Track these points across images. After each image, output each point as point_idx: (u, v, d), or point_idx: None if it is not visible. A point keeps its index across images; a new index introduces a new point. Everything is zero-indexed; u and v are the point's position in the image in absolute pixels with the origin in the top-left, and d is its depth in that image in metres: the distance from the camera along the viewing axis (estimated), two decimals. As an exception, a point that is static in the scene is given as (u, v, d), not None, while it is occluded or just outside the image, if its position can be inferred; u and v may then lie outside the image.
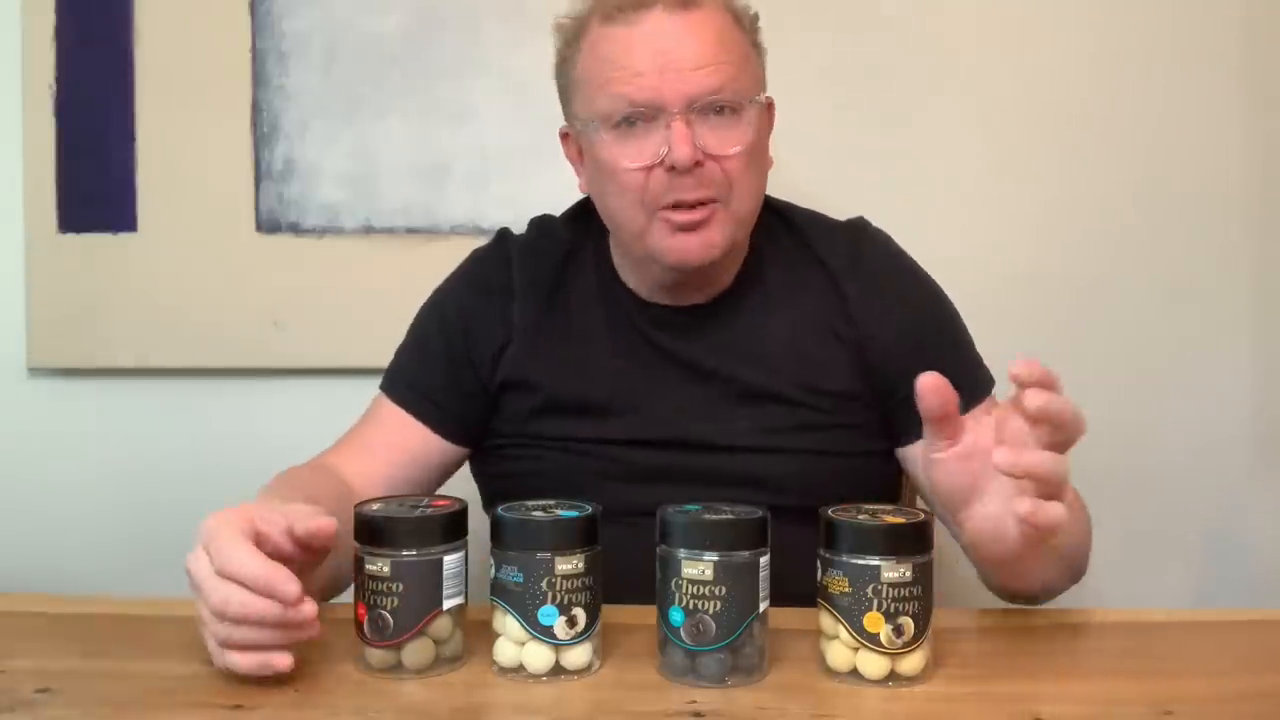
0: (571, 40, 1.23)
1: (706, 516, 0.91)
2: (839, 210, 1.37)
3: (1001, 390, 1.21)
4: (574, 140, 1.26)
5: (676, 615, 0.90)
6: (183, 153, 1.79)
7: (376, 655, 0.93)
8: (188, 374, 1.83)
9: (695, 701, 0.88)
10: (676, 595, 0.90)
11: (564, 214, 1.37)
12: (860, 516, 0.93)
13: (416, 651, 0.93)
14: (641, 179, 1.19)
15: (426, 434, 1.30)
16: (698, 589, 0.89)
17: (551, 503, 0.96)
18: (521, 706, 0.90)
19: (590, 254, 1.32)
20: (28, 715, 0.87)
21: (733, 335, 1.28)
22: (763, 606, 0.91)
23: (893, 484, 1.34)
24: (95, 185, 1.80)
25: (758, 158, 1.22)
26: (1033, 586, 1.13)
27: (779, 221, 1.33)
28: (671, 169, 1.16)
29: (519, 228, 1.38)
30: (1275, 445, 1.80)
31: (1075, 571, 1.17)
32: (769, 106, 1.27)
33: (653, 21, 1.18)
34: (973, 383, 1.25)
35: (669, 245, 1.20)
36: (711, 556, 0.89)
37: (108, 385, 1.84)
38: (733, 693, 0.90)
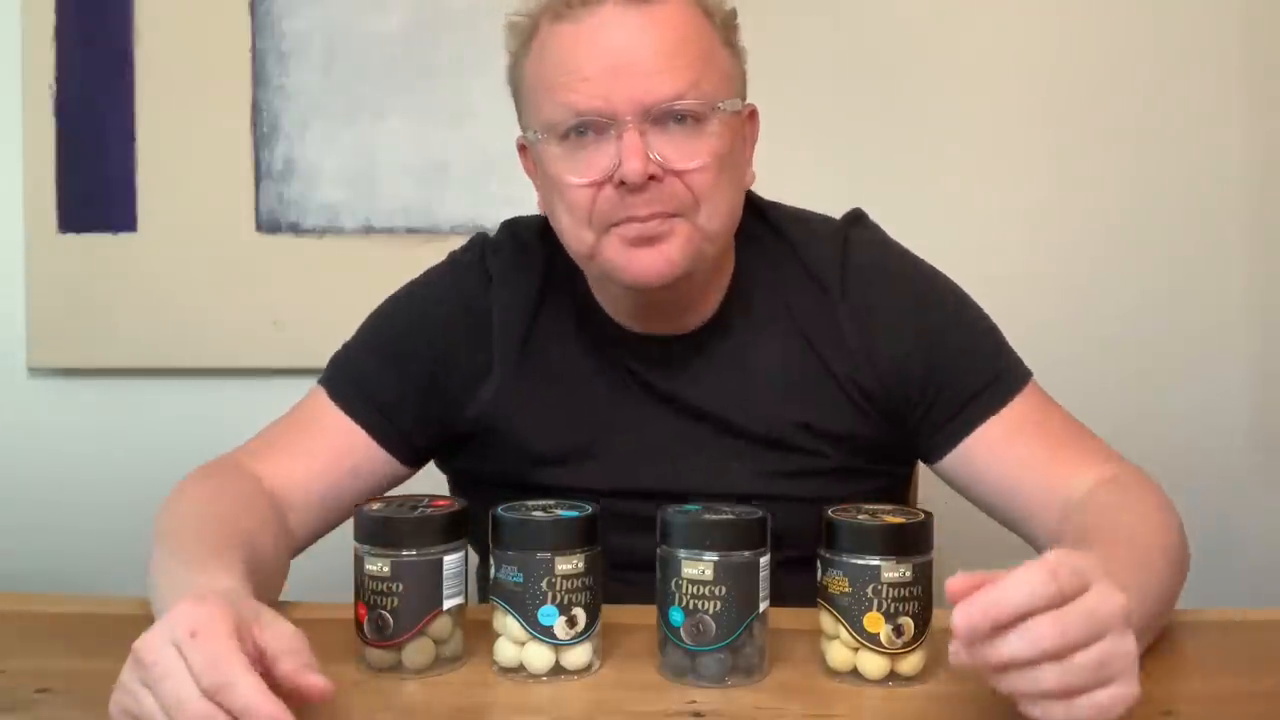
0: (524, 40, 1.10)
1: (706, 516, 0.91)
2: (836, 206, 1.28)
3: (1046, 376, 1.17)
4: (529, 152, 1.13)
5: (676, 615, 0.90)
6: (183, 153, 1.79)
7: (376, 655, 0.93)
8: (187, 374, 1.83)
9: (695, 701, 0.88)
10: (676, 595, 0.90)
11: (538, 227, 1.22)
12: (860, 516, 0.93)
13: (416, 651, 0.93)
14: (589, 196, 1.06)
15: (373, 448, 1.17)
16: (698, 589, 0.89)
17: (551, 503, 0.96)
18: (521, 706, 0.90)
19: (567, 279, 1.18)
20: (28, 715, 0.87)
21: (721, 368, 1.16)
22: (763, 606, 0.91)
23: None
24: (95, 185, 1.80)
25: (730, 170, 1.08)
26: None
27: (765, 229, 1.20)
28: (623, 185, 1.03)
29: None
30: (1275, 445, 1.80)
31: (1178, 586, 1.02)
32: (749, 115, 1.14)
33: (603, 17, 1.04)
34: (1001, 383, 1.14)
35: (623, 261, 1.07)
36: (711, 556, 0.89)
37: (108, 385, 1.85)
38: (733, 693, 0.90)
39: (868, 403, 1.16)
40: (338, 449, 1.16)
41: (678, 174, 1.05)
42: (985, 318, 1.19)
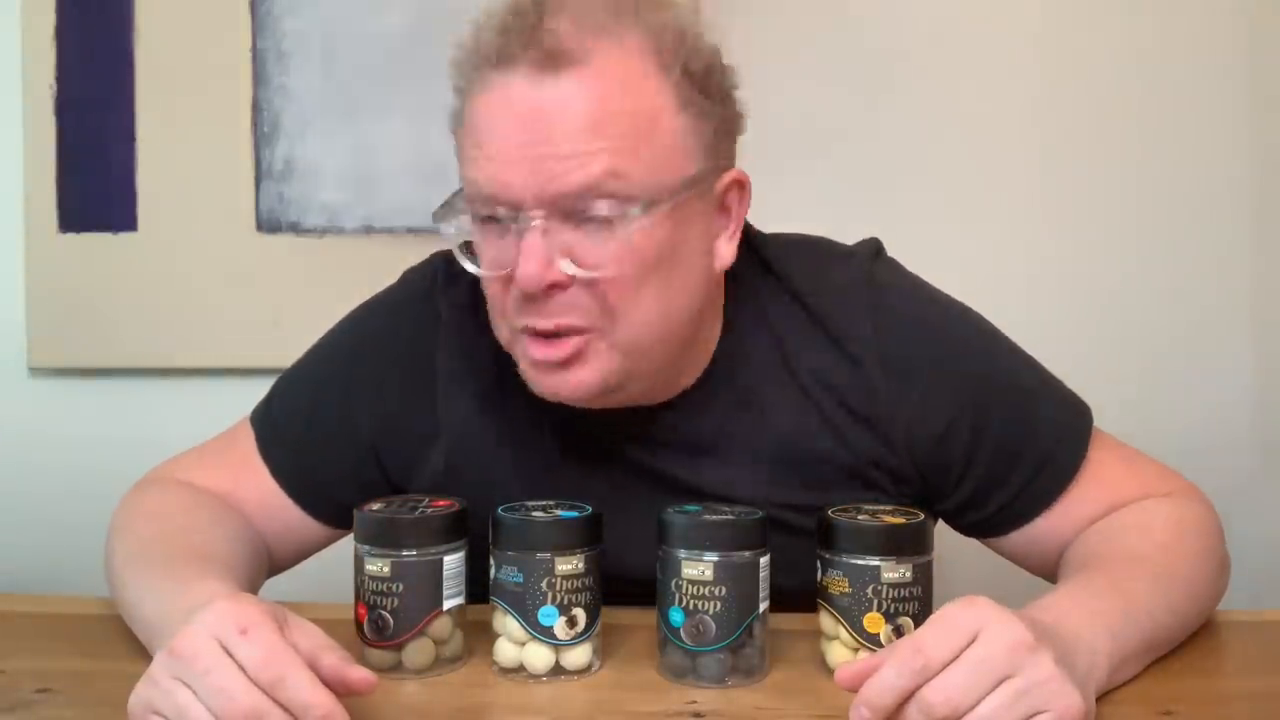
0: (461, 89, 0.96)
1: (706, 517, 0.91)
2: (838, 218, 1.24)
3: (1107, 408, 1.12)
4: None
5: (676, 615, 0.90)
6: (183, 153, 1.79)
7: (376, 655, 0.93)
8: (188, 374, 1.83)
9: (695, 701, 0.88)
10: (676, 596, 0.90)
11: None
12: (860, 517, 0.93)
13: (416, 651, 0.93)
14: (500, 288, 0.94)
15: (304, 516, 1.10)
16: (698, 589, 0.89)
17: (551, 503, 0.96)
18: (521, 706, 0.90)
19: None
20: (28, 715, 0.87)
21: (710, 433, 1.03)
22: (762, 607, 0.91)
23: None
24: (95, 185, 1.80)
25: (663, 272, 0.92)
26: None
27: (765, 277, 1.05)
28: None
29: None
30: (1275, 446, 1.80)
31: (1207, 610, 1.00)
32: (726, 189, 0.96)
33: (514, 86, 0.89)
34: (1067, 448, 1.03)
35: (533, 376, 0.96)
36: (711, 557, 0.89)
37: (108, 385, 1.84)
38: (733, 693, 0.90)
39: (893, 484, 1.04)
40: (269, 510, 1.09)
41: (587, 282, 0.91)
42: (1032, 367, 1.07)
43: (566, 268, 0.90)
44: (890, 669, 0.76)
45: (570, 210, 0.90)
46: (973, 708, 0.75)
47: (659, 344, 0.96)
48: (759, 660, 0.92)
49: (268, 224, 1.80)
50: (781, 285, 1.04)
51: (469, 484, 1.04)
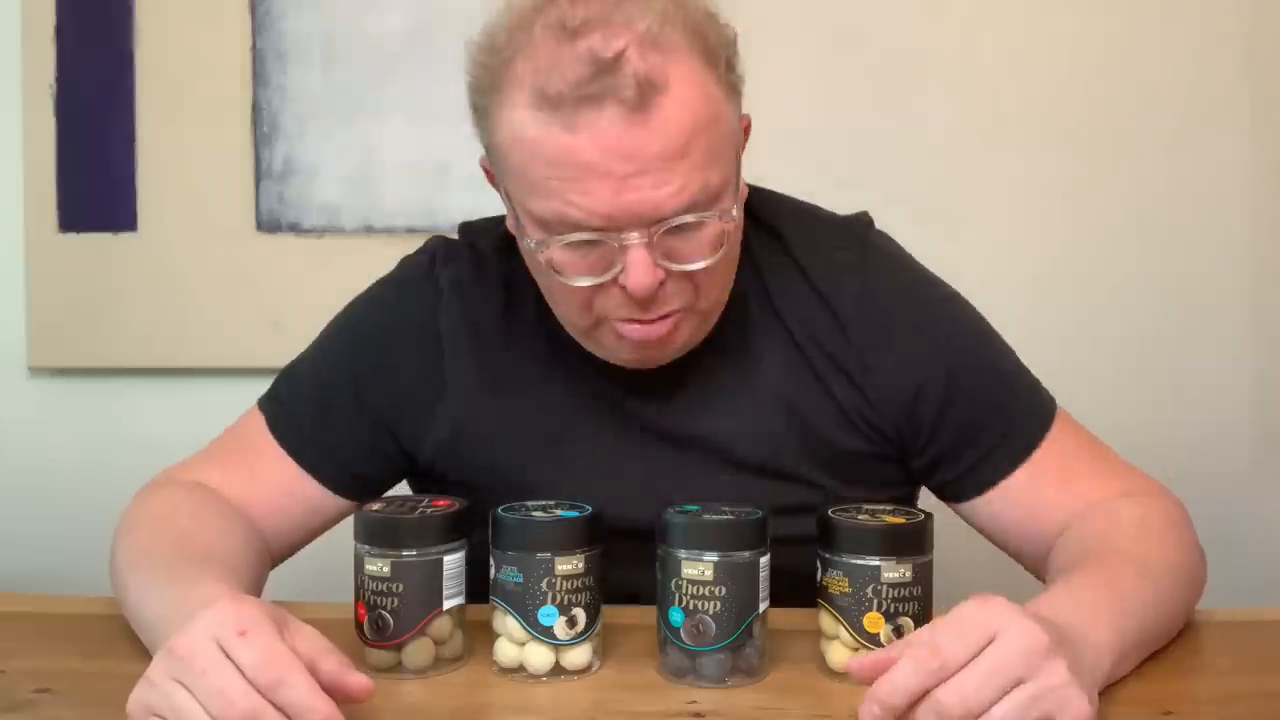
0: (486, 89, 0.97)
1: (706, 516, 0.91)
2: (835, 204, 1.24)
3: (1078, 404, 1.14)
4: (502, 188, 1.03)
5: (676, 615, 0.90)
6: (183, 153, 1.79)
7: (376, 655, 0.93)
8: (188, 374, 1.83)
9: (695, 701, 0.88)
10: (676, 595, 0.90)
11: (497, 241, 1.12)
12: (860, 516, 0.93)
13: (416, 651, 0.93)
14: (589, 292, 0.98)
15: (324, 493, 1.12)
16: (698, 589, 0.89)
17: (551, 503, 0.96)
18: (521, 706, 0.90)
19: (531, 295, 1.08)
20: (28, 715, 0.87)
21: (710, 394, 1.08)
22: (762, 607, 0.91)
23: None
24: (95, 185, 1.80)
25: (731, 245, 1.00)
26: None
27: (762, 234, 1.10)
28: (626, 289, 0.96)
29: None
30: (1275, 445, 1.80)
31: (1188, 611, 1.02)
32: (745, 128, 1.03)
33: (605, 127, 0.90)
34: (1030, 425, 1.08)
35: (619, 350, 1.02)
36: (711, 557, 0.89)
37: (108, 385, 1.85)
38: (733, 693, 0.90)
39: (875, 436, 1.09)
40: (287, 489, 1.11)
41: (684, 274, 0.98)
42: (1008, 352, 1.12)
43: (670, 264, 0.96)
44: (906, 668, 0.76)
45: (666, 224, 0.95)
46: (986, 710, 0.75)
47: (721, 304, 1.05)
48: (759, 660, 0.92)
49: (268, 224, 1.80)
50: (779, 245, 1.10)
51: (474, 442, 1.09)
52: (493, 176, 1.06)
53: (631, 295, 0.96)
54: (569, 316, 1.04)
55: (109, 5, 1.78)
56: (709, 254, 0.97)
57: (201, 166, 1.79)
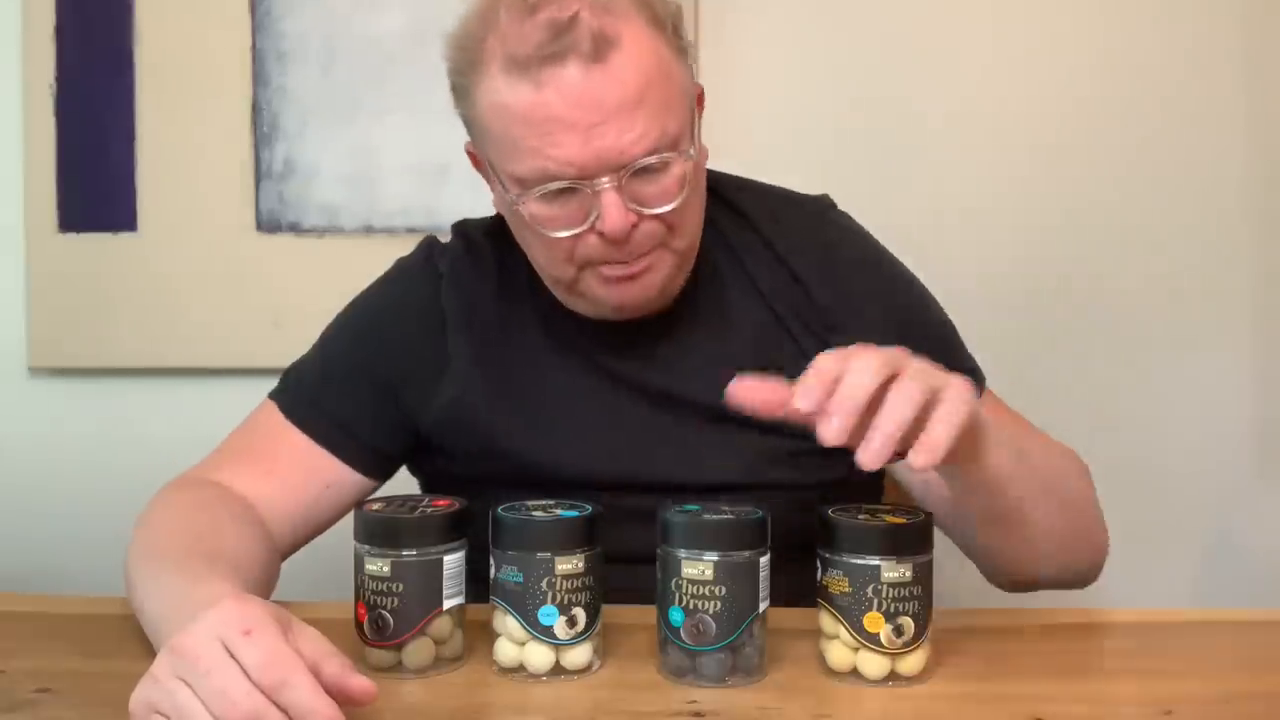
0: (464, 69, 1.07)
1: (706, 516, 0.91)
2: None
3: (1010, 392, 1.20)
4: (484, 162, 1.13)
5: (676, 615, 0.90)
6: (183, 153, 1.79)
7: (376, 655, 0.93)
8: (188, 374, 1.83)
9: (695, 701, 0.88)
10: (676, 595, 0.90)
11: (488, 226, 1.23)
12: (860, 516, 0.93)
13: (416, 651, 0.93)
14: (569, 242, 1.06)
15: (338, 466, 1.16)
16: (698, 589, 0.89)
17: (551, 503, 0.96)
18: (521, 706, 0.90)
19: (523, 272, 1.17)
20: (28, 715, 0.87)
21: (692, 352, 1.15)
22: (762, 607, 0.91)
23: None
24: (95, 185, 1.80)
25: (696, 185, 1.10)
26: (1035, 553, 1.07)
27: (726, 210, 1.19)
28: (604, 235, 1.04)
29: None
30: (1275, 445, 1.80)
31: (1070, 511, 1.09)
32: (698, 98, 1.12)
33: (568, 80, 1.01)
34: (968, 375, 1.17)
35: (605, 293, 1.09)
36: (711, 556, 0.89)
37: (108, 385, 1.84)
38: (733, 693, 0.90)
39: None
40: (305, 469, 1.15)
41: (655, 215, 1.06)
42: (950, 322, 1.22)
43: (641, 208, 1.05)
44: (869, 369, 0.85)
45: (636, 170, 1.04)
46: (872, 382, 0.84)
47: (695, 245, 1.13)
48: (759, 660, 0.92)
49: (268, 224, 1.80)
50: (744, 221, 1.19)
51: (471, 411, 1.15)
52: (477, 160, 1.14)
53: (608, 238, 1.04)
54: (553, 271, 1.11)
55: (109, 5, 1.78)
56: (675, 195, 1.05)
57: (201, 166, 1.79)
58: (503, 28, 1.03)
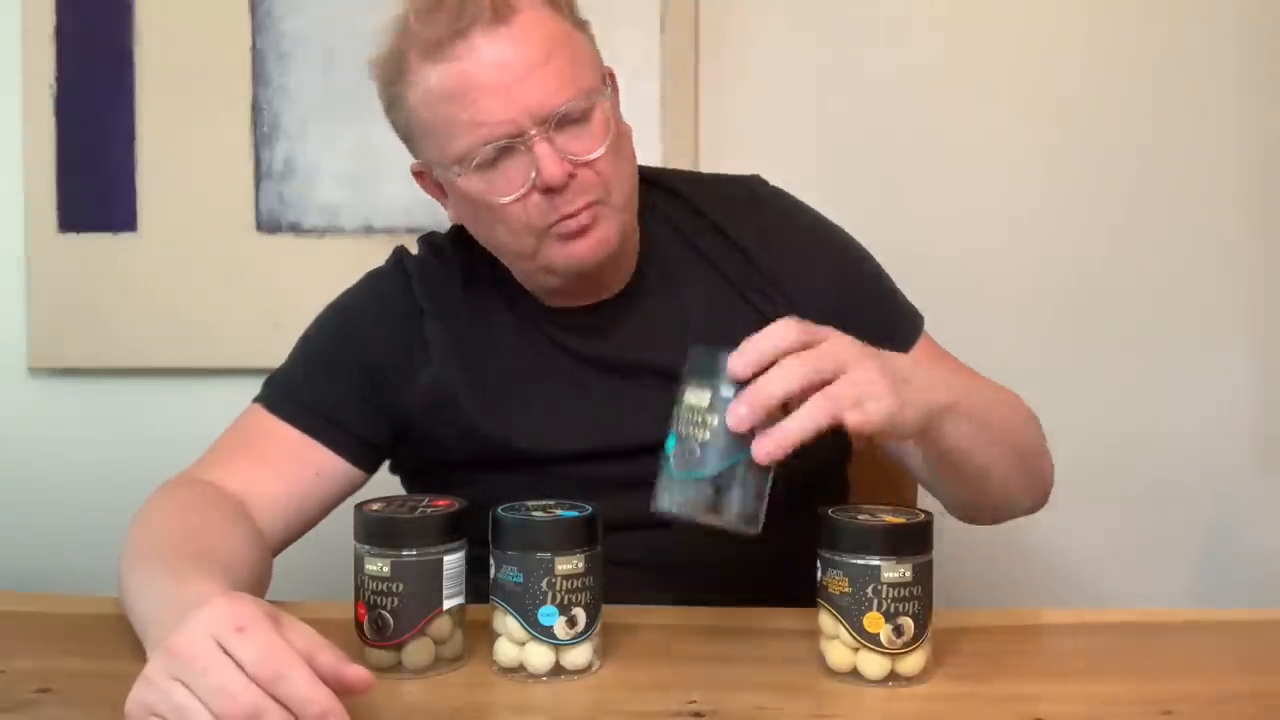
0: (392, 79, 1.15)
1: (720, 354, 0.90)
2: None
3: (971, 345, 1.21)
4: (429, 178, 1.21)
5: (670, 442, 0.89)
6: (183, 153, 1.79)
7: (376, 655, 0.93)
8: (188, 374, 1.83)
9: (695, 701, 0.88)
10: (675, 422, 0.90)
11: (452, 235, 1.29)
12: (860, 516, 0.93)
13: (416, 651, 0.93)
14: (520, 208, 1.12)
15: (327, 455, 1.19)
16: (692, 414, 0.89)
17: (551, 503, 0.96)
18: (521, 706, 0.90)
19: (487, 269, 1.24)
20: (28, 715, 0.87)
21: (651, 321, 1.22)
22: (754, 452, 0.87)
23: (844, 452, 1.30)
24: (95, 185, 1.80)
25: (621, 143, 1.17)
26: (994, 500, 1.15)
27: (663, 195, 1.27)
28: (547, 190, 1.11)
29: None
30: (1275, 445, 1.80)
31: (1026, 460, 1.15)
32: (610, 78, 1.19)
33: (476, 46, 1.09)
34: (908, 326, 1.25)
35: (564, 254, 1.15)
36: (711, 384, 0.89)
37: (108, 385, 1.85)
38: (733, 693, 0.90)
39: None
40: (296, 459, 1.18)
41: (587, 164, 1.12)
42: (882, 269, 1.29)
43: (572, 158, 1.11)
44: (778, 334, 0.90)
45: (558, 121, 1.10)
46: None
47: (632, 199, 1.19)
48: (740, 511, 0.88)
49: (268, 224, 1.80)
50: (681, 202, 1.27)
51: (448, 399, 1.20)
52: (423, 176, 1.22)
53: (548, 185, 1.10)
54: (515, 245, 1.16)
55: (109, 5, 1.78)
56: (601, 139, 1.12)
57: (201, 166, 1.79)
58: (414, 28, 1.11)
